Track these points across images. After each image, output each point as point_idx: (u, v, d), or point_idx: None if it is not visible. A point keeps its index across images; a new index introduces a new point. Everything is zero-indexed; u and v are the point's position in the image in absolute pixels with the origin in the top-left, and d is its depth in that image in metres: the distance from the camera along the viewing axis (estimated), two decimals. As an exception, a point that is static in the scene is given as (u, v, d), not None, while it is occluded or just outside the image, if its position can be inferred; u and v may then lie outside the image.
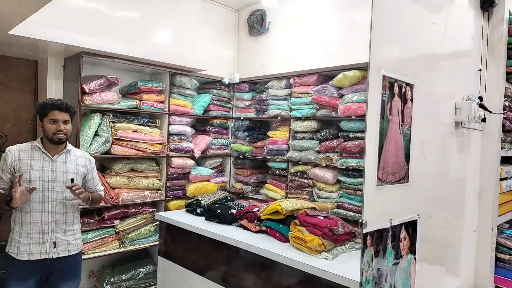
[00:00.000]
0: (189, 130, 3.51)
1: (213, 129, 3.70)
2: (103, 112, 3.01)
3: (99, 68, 3.13)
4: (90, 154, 2.85)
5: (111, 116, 3.01)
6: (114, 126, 3.01)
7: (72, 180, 2.07)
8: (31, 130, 3.29)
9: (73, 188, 2.03)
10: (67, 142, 2.18)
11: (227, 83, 3.74)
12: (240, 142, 3.75)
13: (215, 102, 3.71)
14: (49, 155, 2.11)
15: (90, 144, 2.88)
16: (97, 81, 2.91)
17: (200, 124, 3.77)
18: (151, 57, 3.07)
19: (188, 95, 3.54)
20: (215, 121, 3.73)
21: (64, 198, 2.14)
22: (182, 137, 3.47)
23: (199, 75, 3.54)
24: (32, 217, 2.05)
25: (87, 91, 2.83)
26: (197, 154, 3.52)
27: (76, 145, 2.79)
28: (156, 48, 3.24)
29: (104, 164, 3.16)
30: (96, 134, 2.92)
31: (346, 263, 2.23)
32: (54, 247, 2.10)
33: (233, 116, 3.88)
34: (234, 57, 3.93)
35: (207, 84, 3.75)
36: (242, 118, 3.75)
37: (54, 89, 3.07)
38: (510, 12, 2.21)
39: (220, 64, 3.79)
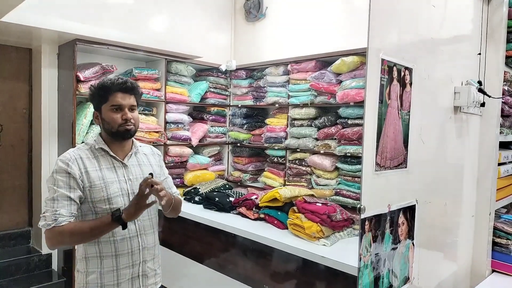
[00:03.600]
0: (186, 118, 3.48)
1: (211, 117, 3.68)
2: (99, 100, 2.97)
3: (93, 56, 3.08)
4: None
5: (107, 105, 2.97)
6: (110, 114, 2.97)
7: (151, 174, 1.43)
8: (27, 120, 3.26)
9: (154, 185, 1.41)
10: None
11: (224, 70, 3.70)
12: (237, 130, 3.73)
13: (212, 90, 3.68)
14: (119, 158, 1.56)
15: (86, 133, 2.86)
16: (92, 69, 2.87)
17: (197, 112, 3.74)
18: (147, 44, 3.02)
19: (185, 83, 3.51)
20: (212, 109, 3.70)
21: (150, 213, 1.61)
22: (179, 125, 3.45)
23: (195, 62, 3.50)
24: (118, 247, 1.50)
25: (82, 79, 2.79)
26: (194, 142, 3.50)
27: (72, 134, 2.77)
28: (152, 35, 3.20)
29: (101, 153, 3.14)
30: (92, 122, 2.90)
31: (344, 249, 2.24)
32: (144, 282, 1.59)
33: (231, 104, 3.85)
34: (231, 44, 3.88)
35: (203, 71, 3.71)
36: (239, 105, 3.72)
37: (48, 77, 3.03)
38: (510, -6, 2.18)
39: (216, 51, 3.74)
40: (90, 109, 2.87)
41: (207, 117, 3.66)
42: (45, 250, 3.10)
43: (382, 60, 1.46)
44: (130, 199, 1.49)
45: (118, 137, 1.53)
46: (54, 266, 3.16)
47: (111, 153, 1.54)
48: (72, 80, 2.76)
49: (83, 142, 1.66)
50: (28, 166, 3.28)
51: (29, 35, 2.83)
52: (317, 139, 3.08)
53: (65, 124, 2.94)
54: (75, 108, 2.79)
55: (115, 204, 1.48)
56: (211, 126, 3.68)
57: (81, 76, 2.79)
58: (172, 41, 3.27)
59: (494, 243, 2.16)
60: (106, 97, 1.51)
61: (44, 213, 1.40)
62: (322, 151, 3.00)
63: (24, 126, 3.26)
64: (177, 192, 1.81)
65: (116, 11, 3.00)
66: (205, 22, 3.68)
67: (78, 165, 1.46)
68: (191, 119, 3.61)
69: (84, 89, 2.81)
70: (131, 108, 1.54)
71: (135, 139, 1.67)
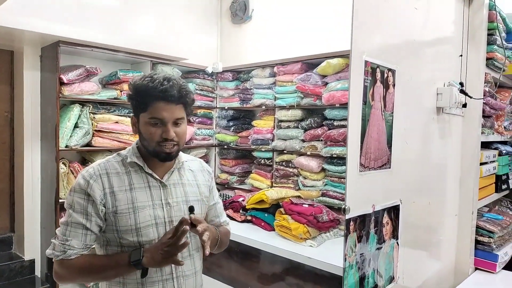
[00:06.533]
0: (172, 120, 3.45)
1: (197, 119, 3.66)
2: (83, 103, 2.93)
3: (77, 58, 3.04)
4: (70, 148, 2.81)
5: (91, 107, 2.94)
6: (94, 117, 2.93)
7: (191, 209, 1.21)
8: (9, 123, 3.19)
9: (198, 226, 1.14)
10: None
11: (210, 72, 3.69)
12: (224, 132, 3.73)
13: (198, 92, 3.66)
14: (156, 176, 1.24)
15: (70, 136, 2.81)
16: (75, 71, 2.83)
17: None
18: (131, 46, 2.99)
19: (171, 85, 3.48)
20: (198, 111, 3.69)
21: (191, 249, 1.29)
22: (166, 128, 3.41)
23: (181, 64, 3.48)
24: None
25: (65, 81, 2.74)
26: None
27: (56, 138, 2.72)
28: (137, 37, 3.17)
29: (85, 156, 3.10)
30: (76, 126, 2.85)
31: (330, 250, 2.25)
32: None
33: (217, 106, 3.84)
34: (217, 46, 3.87)
35: (189, 73, 3.70)
36: (226, 107, 3.71)
37: (31, 80, 2.97)
38: (490, -2, 2.22)
39: (202, 53, 3.72)
40: (74, 112, 2.83)
41: (194, 119, 3.64)
42: (28, 255, 3.04)
43: (366, 61, 1.47)
44: (168, 229, 1.18)
45: (155, 157, 1.21)
46: (38, 272, 3.09)
47: (146, 169, 1.22)
48: (56, 83, 2.72)
49: (118, 153, 1.28)
50: (10, 170, 3.21)
51: (11, 37, 2.77)
52: (303, 141, 3.09)
53: (48, 127, 2.88)
54: (59, 111, 2.74)
55: (145, 236, 1.17)
56: (198, 129, 3.66)
57: (65, 78, 2.74)
58: (158, 43, 3.24)
59: (477, 242, 2.20)
60: (145, 105, 1.17)
61: (55, 238, 1.17)
62: (308, 153, 3.02)
63: (6, 129, 3.19)
64: (227, 221, 1.49)
65: (100, 13, 2.96)
66: (191, 24, 3.66)
67: (102, 183, 1.17)
68: (178, 122, 3.58)
69: (68, 91, 2.77)
70: (176, 122, 1.19)
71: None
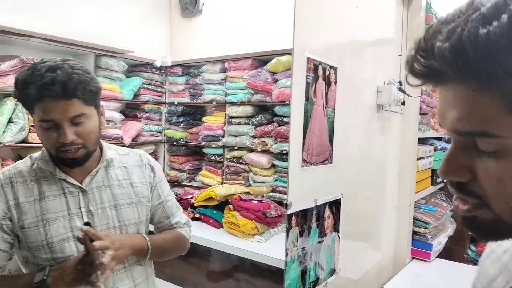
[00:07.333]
0: (117, 115, 3.32)
1: (145, 115, 3.54)
2: (18, 96, 2.72)
3: (13, 48, 2.81)
4: (4, 144, 2.60)
5: (27, 101, 2.73)
6: (30, 111, 2.74)
7: (88, 224, 1.00)
8: None
9: (95, 242, 0.94)
10: (101, 145, 1.13)
11: (159, 66, 3.58)
12: (174, 128, 3.64)
13: (146, 86, 3.54)
14: (74, 181, 1.06)
15: (4, 132, 2.60)
16: (9, 62, 2.62)
17: (130, 110, 3.58)
18: (73, 37, 2.83)
19: (116, 78, 3.33)
20: (146, 106, 3.57)
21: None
22: (110, 123, 3.27)
23: (127, 57, 3.34)
24: None
25: (-4, 72, 2.53)
26: (127, 141, 3.34)
27: (-14, 133, 2.50)
28: (79, 27, 3.00)
29: (21, 154, 2.88)
30: (10, 121, 2.65)
31: (277, 245, 2.27)
32: None
33: (166, 101, 3.74)
34: (167, 39, 3.77)
35: (137, 67, 3.56)
36: (175, 103, 3.63)
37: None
38: (427, 1, 2.35)
39: (151, 46, 3.61)
40: (7, 106, 2.62)
41: (141, 114, 3.52)
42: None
43: (308, 58, 1.49)
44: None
45: (61, 163, 1.03)
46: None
47: (58, 174, 1.04)
48: (-15, 74, 2.50)
49: (30, 156, 1.10)
50: None
51: None
52: (254, 137, 3.10)
53: (-23, 122, 2.65)
54: (-11, 104, 2.53)
55: (60, 252, 1.00)
56: (146, 124, 3.55)
57: (-4, 69, 2.53)
58: (102, 34, 3.09)
59: (414, 232, 2.32)
60: (30, 106, 0.96)
61: None
62: (259, 149, 3.03)
63: None
64: (181, 222, 1.28)
65: (39, 0, 2.77)
66: (139, 16, 3.54)
67: (5, 194, 1.00)
68: (123, 117, 3.45)
69: (1, 84, 2.56)
70: (75, 122, 0.97)
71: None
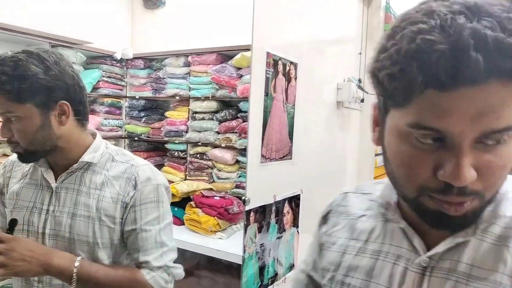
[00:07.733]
0: (75, 109, 3.17)
1: (104, 109, 3.40)
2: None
3: (-44, 35, 2.62)
4: None
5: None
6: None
7: (14, 221, 0.96)
8: None
9: None
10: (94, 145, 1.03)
11: (119, 59, 3.45)
12: (135, 123, 3.53)
13: (105, 79, 3.40)
14: (48, 175, 1.01)
15: None
16: (-48, 50, 2.44)
17: (88, 103, 3.44)
18: (25, 25, 2.66)
19: (73, 71, 3.18)
20: (105, 99, 3.43)
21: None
22: (67, 117, 3.12)
23: (86, 48, 3.19)
24: None
25: None
26: (85, 136, 3.21)
27: None
28: (32, 15, 2.83)
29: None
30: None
31: (239, 241, 2.26)
32: None
33: (127, 95, 3.62)
34: (128, 31, 3.65)
35: (96, 59, 3.41)
36: (137, 97, 3.51)
37: None
38: (386, 1, 2.41)
39: (111, 37, 3.47)
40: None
41: (100, 108, 3.38)
42: None
43: (267, 53, 1.48)
44: (41, 242, 0.95)
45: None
46: None
47: (38, 164, 1.01)
48: None
49: None
50: None
51: None
52: (218, 133, 3.06)
53: None
54: None
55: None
56: (105, 119, 3.41)
57: None
58: (58, 23, 2.93)
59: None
60: None
61: None
62: (223, 145, 3.00)
63: None
64: (153, 264, 1.00)
65: (-16, -16, 2.59)
66: (99, 6, 3.39)
67: (5, 172, 1.08)
68: (82, 111, 3.30)
69: None
70: (8, 118, 0.92)
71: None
